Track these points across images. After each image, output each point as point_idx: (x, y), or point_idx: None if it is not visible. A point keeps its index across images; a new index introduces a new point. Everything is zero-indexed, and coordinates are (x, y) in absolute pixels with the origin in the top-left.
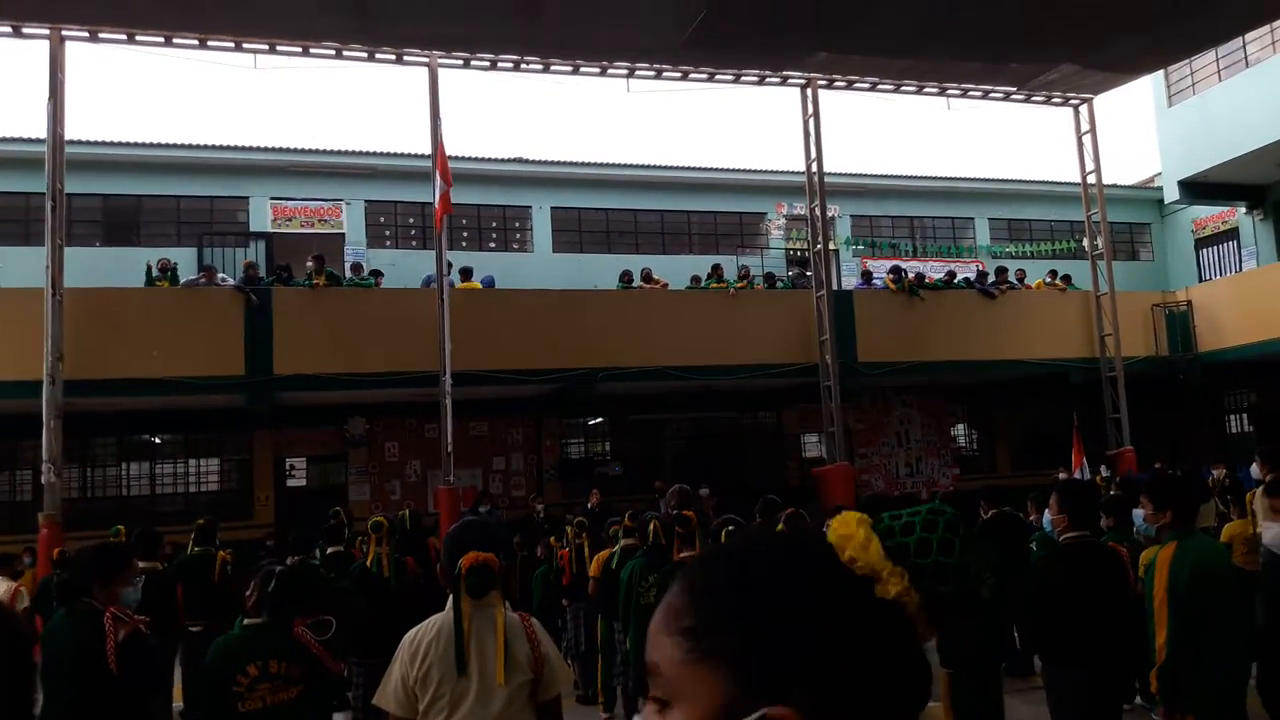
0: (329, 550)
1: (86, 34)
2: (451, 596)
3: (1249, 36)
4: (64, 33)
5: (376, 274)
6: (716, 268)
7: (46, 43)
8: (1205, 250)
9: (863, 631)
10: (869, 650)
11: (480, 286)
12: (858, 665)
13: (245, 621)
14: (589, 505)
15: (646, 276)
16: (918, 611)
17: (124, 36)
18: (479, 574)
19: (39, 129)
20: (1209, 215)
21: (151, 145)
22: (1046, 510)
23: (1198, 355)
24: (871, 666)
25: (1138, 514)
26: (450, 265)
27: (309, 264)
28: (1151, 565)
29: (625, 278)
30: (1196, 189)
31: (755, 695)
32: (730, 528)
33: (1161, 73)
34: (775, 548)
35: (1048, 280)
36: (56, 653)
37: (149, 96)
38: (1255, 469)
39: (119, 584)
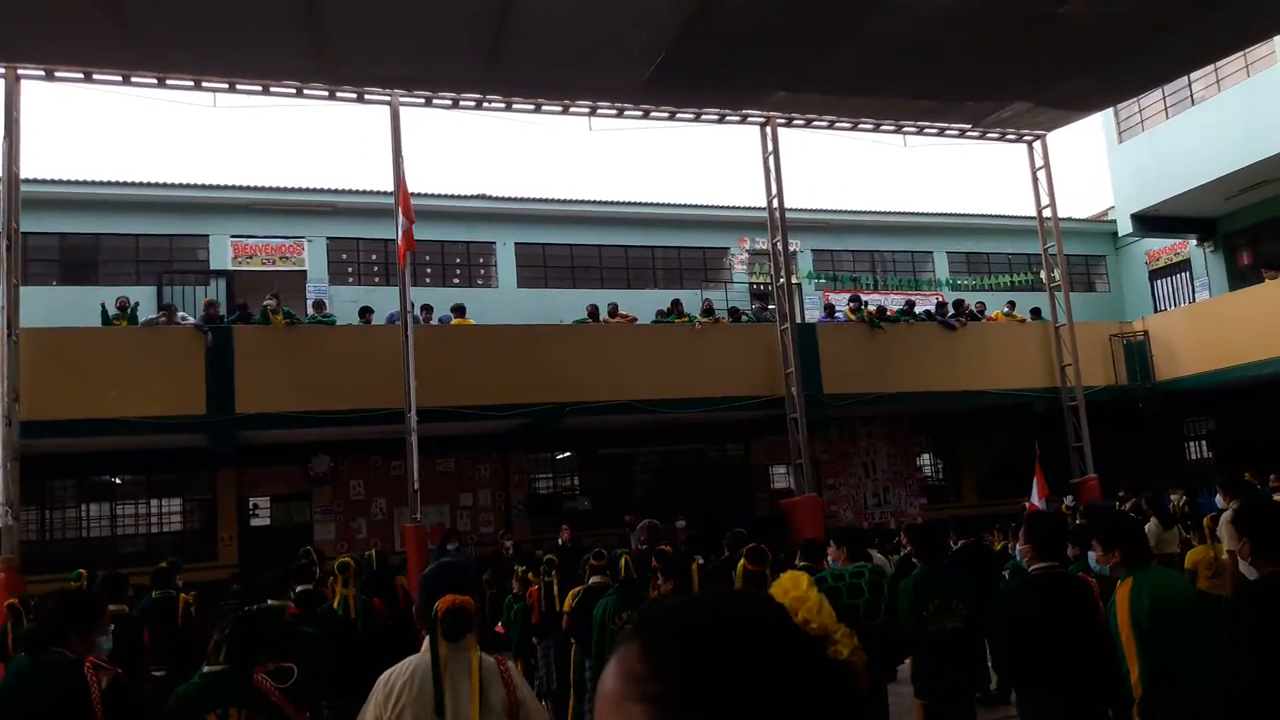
0: (299, 589)
1: (42, 72)
2: (428, 639)
3: (1194, 76)
4: (20, 71)
5: (367, 311)
6: (676, 303)
7: (1, 81)
8: (1159, 281)
9: (820, 696)
10: (820, 712)
11: (472, 323)
12: None
13: (206, 669)
14: (560, 541)
15: (613, 312)
16: (863, 669)
17: (81, 75)
18: (455, 617)
19: None
20: (1162, 247)
21: (110, 184)
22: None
23: (1156, 384)
24: None
25: (1091, 556)
26: (426, 307)
27: (267, 301)
28: (1112, 604)
29: (591, 312)
30: (1149, 222)
31: None
32: (699, 561)
33: (1111, 110)
34: (739, 616)
35: (1006, 311)
36: (25, 704)
37: (107, 135)
38: (1219, 499)
39: (95, 633)
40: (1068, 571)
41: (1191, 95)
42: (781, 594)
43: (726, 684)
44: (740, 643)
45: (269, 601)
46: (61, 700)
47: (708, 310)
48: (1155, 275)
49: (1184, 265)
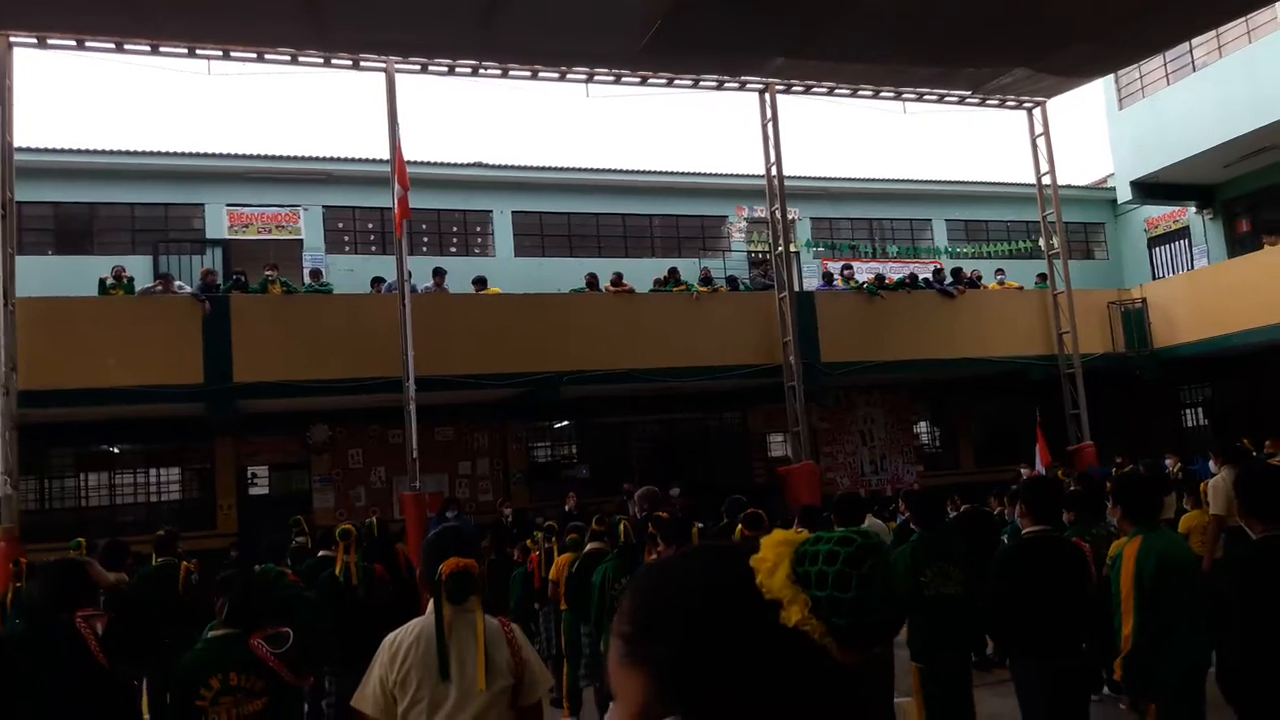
0: (320, 554)
1: (35, 40)
2: (432, 602)
3: (1195, 42)
4: (11, 38)
5: (378, 280)
6: (673, 271)
7: None
8: (1158, 249)
9: (765, 655)
10: (769, 673)
11: (498, 291)
12: (757, 686)
13: (210, 633)
14: (565, 508)
15: (616, 281)
16: (826, 639)
17: (73, 42)
18: (460, 580)
19: None
20: (1161, 215)
21: (104, 152)
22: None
23: (1153, 351)
24: (772, 688)
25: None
26: (439, 270)
27: (267, 272)
28: (1117, 560)
29: (591, 281)
30: (1148, 189)
31: (668, 704)
32: (700, 525)
33: (1112, 76)
34: (705, 569)
35: (999, 281)
36: (28, 670)
37: (101, 103)
38: (1212, 464)
39: (86, 601)
40: (1059, 534)
41: (1193, 61)
42: (765, 554)
43: (673, 632)
44: (694, 600)
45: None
46: (62, 658)
47: (706, 279)
48: (1154, 243)
49: (1183, 233)
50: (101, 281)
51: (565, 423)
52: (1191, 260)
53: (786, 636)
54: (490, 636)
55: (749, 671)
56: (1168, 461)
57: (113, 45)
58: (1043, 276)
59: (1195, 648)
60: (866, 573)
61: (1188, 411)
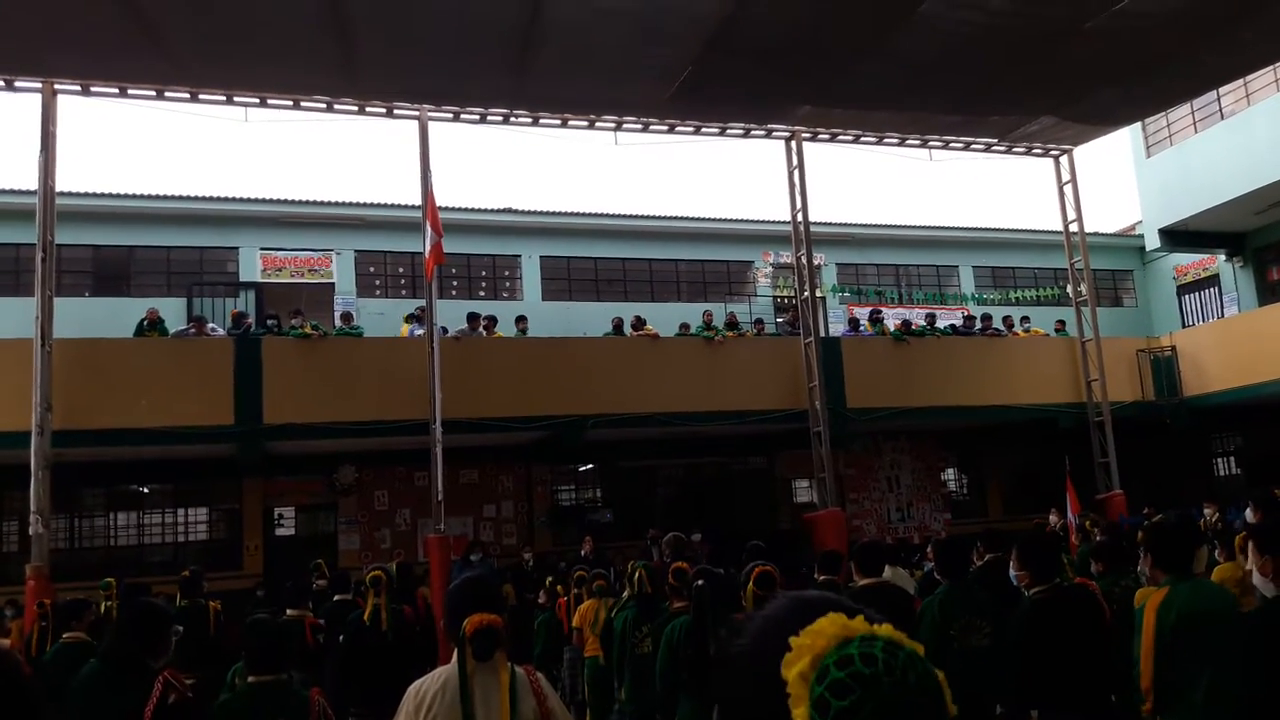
0: (335, 598)
1: (79, 87)
2: (456, 654)
3: (1223, 90)
4: (56, 86)
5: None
6: (707, 314)
7: (39, 95)
8: (1187, 296)
9: None
10: None
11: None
12: None
13: (250, 679)
14: (582, 553)
15: (637, 324)
16: None
17: (115, 90)
18: (485, 638)
19: (30, 180)
20: (1190, 262)
21: (142, 196)
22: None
23: (1184, 400)
24: None
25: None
26: (490, 318)
27: (293, 321)
28: (1140, 611)
29: (617, 325)
30: (1177, 237)
31: None
32: (700, 582)
33: (1139, 124)
34: (761, 643)
35: (1024, 328)
36: (99, 711)
37: (140, 148)
38: (1249, 513)
39: (161, 649)
40: (1070, 585)
41: (1220, 109)
42: (804, 639)
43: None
44: (745, 671)
45: (288, 612)
46: (126, 706)
47: (731, 324)
48: (1183, 290)
49: (1212, 280)
50: (140, 323)
51: (589, 466)
52: (1222, 308)
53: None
54: (516, 687)
55: None
56: (1206, 510)
57: (154, 93)
58: (1061, 324)
59: (1223, 702)
60: (874, 714)
61: (1219, 460)
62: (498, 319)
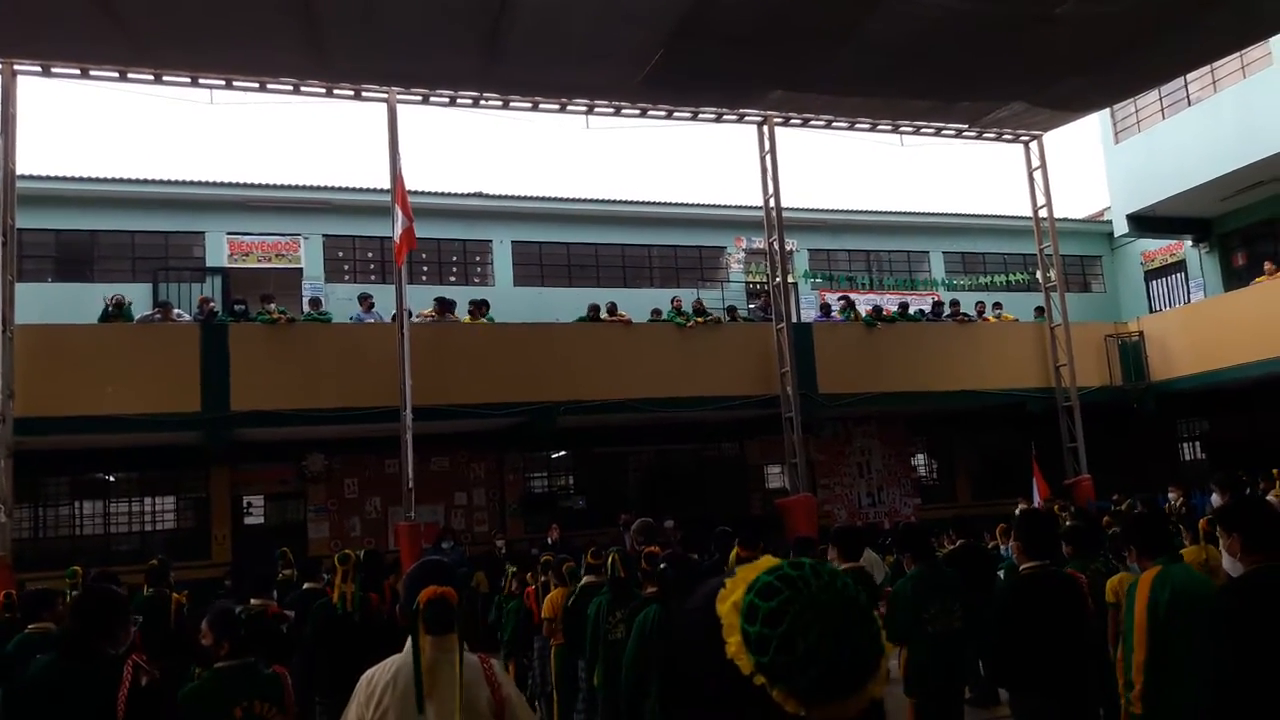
0: (305, 586)
1: (39, 68)
2: (410, 636)
3: (1190, 77)
4: (16, 67)
5: (366, 298)
6: (676, 300)
7: None
8: (1155, 282)
9: (703, 677)
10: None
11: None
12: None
13: (219, 664)
14: (549, 540)
15: (612, 310)
16: (779, 694)
17: (77, 71)
18: (437, 607)
19: None
20: (1157, 248)
21: (106, 180)
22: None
23: (1150, 384)
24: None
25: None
26: (483, 302)
27: (269, 307)
28: (1132, 589)
29: (592, 311)
30: (1144, 223)
31: None
32: (663, 565)
33: (1108, 111)
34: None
35: (995, 314)
36: (61, 702)
37: (103, 131)
38: (1215, 497)
39: (122, 635)
40: (1057, 569)
41: (1188, 96)
42: (737, 576)
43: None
44: (679, 618)
45: (252, 601)
46: (91, 695)
47: (699, 310)
48: (1151, 276)
49: (1179, 266)
50: (105, 308)
51: (562, 453)
52: (1188, 293)
53: (744, 685)
54: (469, 674)
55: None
56: (1171, 495)
57: (116, 74)
58: (1040, 310)
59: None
60: (787, 631)
61: (1185, 445)
62: (456, 303)
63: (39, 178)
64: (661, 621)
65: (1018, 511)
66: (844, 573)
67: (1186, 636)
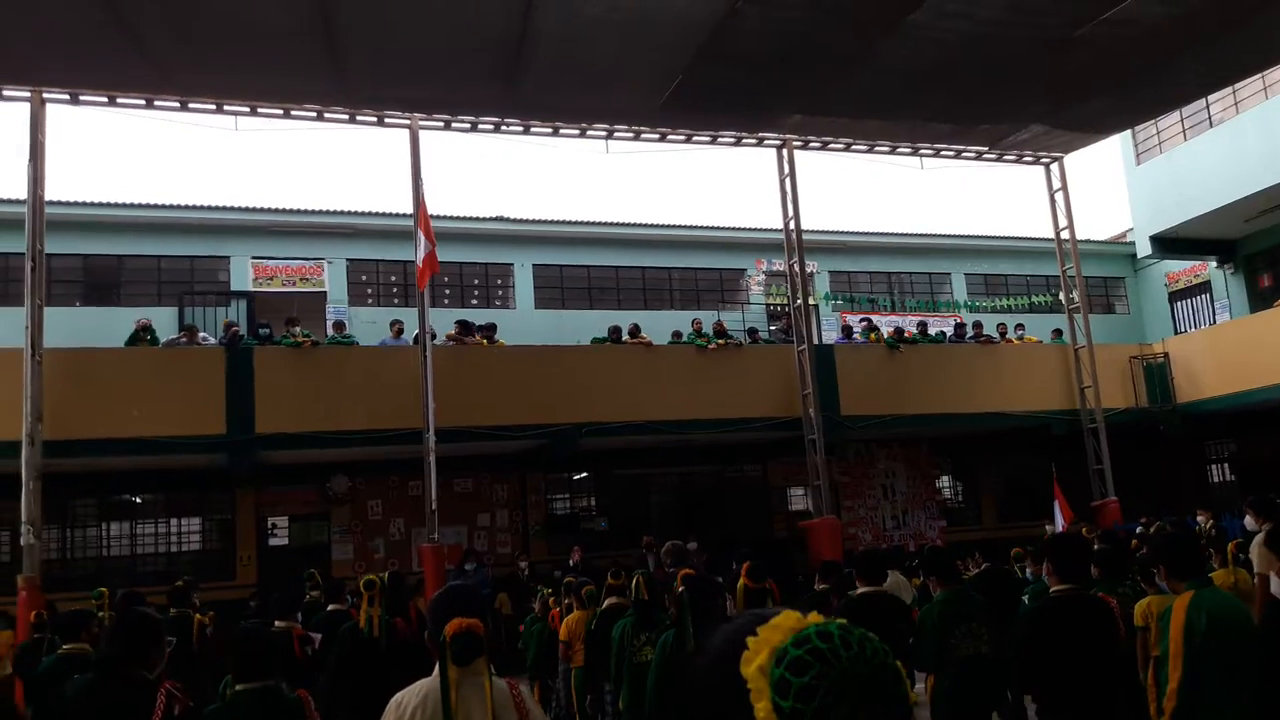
0: (330, 608)
1: (67, 96)
2: (438, 664)
3: (1212, 98)
4: (45, 95)
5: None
6: (696, 322)
7: (27, 104)
8: (1179, 303)
9: None
10: None
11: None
12: None
13: (239, 687)
14: (570, 562)
15: (633, 332)
16: None
17: (105, 99)
18: (464, 641)
19: (19, 190)
20: (1181, 269)
21: (132, 205)
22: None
23: (1176, 406)
24: None
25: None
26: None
27: (295, 330)
28: (1167, 613)
29: (614, 333)
30: (1168, 244)
31: None
32: (682, 590)
33: (1129, 132)
34: (719, 650)
35: (1017, 336)
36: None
37: (130, 157)
38: (1248, 520)
39: (157, 659)
40: (1088, 593)
41: (1210, 117)
42: (761, 635)
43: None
44: (698, 676)
45: (276, 623)
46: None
47: (720, 331)
48: (1175, 297)
49: (1204, 287)
50: (135, 331)
51: (584, 475)
52: (1213, 314)
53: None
54: (498, 701)
55: None
56: (1199, 517)
57: (143, 101)
58: (1058, 332)
59: (1241, 706)
60: (820, 705)
61: (1213, 467)
62: (474, 325)
63: (67, 203)
64: (676, 647)
65: (1045, 535)
66: (872, 604)
67: (1222, 661)
